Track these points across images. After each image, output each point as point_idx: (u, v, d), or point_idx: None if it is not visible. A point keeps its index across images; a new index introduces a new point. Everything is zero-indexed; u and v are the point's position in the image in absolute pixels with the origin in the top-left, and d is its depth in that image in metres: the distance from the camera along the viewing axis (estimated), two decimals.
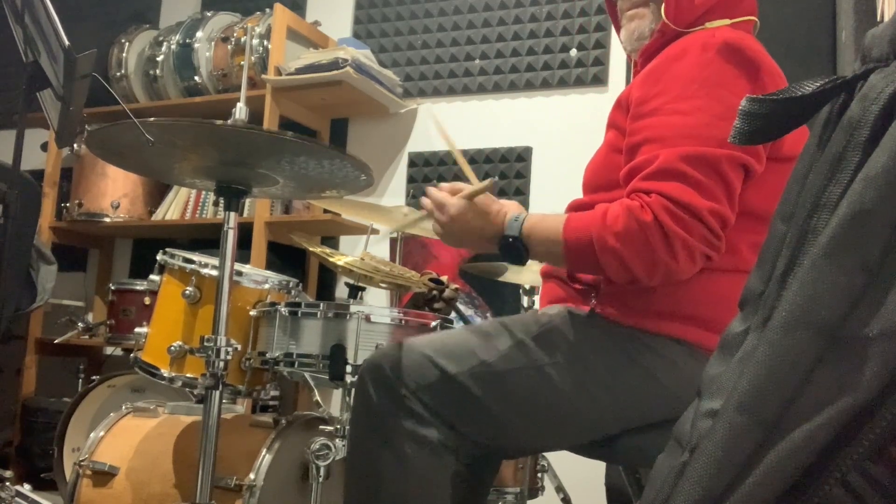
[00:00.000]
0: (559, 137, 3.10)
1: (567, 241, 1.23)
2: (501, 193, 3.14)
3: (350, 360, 1.68)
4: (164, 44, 3.49)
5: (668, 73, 1.29)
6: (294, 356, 1.74)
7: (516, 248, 1.29)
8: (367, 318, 1.71)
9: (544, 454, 2.17)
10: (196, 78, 3.43)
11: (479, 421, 1.27)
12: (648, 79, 1.32)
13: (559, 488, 2.25)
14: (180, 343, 1.87)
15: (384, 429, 1.27)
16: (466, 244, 1.39)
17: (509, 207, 1.34)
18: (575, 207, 1.41)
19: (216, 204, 3.34)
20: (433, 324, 1.78)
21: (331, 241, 3.40)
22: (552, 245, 1.26)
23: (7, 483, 2.14)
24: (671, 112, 1.25)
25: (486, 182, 1.34)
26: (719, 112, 1.22)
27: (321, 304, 1.75)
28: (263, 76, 3.19)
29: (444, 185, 1.37)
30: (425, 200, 1.38)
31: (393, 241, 3.06)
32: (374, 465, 1.27)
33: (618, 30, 1.51)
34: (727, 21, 1.36)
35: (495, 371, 1.27)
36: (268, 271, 2.07)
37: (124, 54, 3.56)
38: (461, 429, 1.27)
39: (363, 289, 1.87)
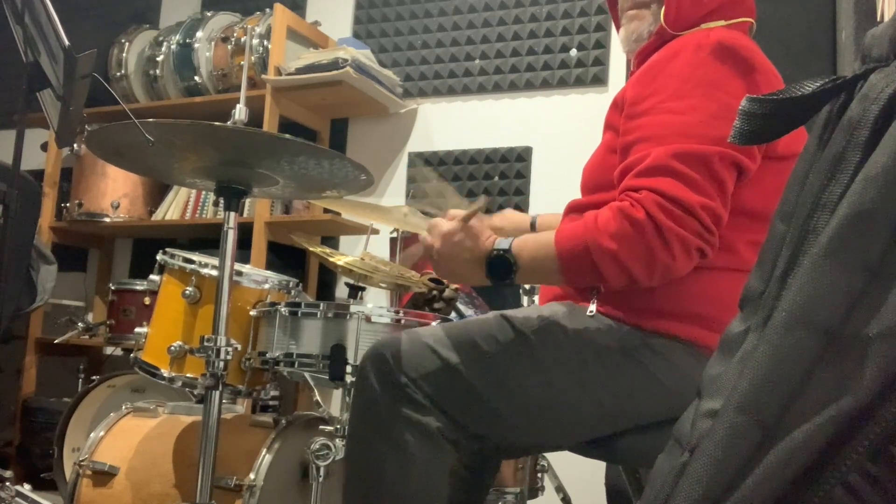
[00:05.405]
0: (559, 137, 3.10)
1: (560, 251, 1.22)
2: (501, 193, 3.14)
3: (350, 360, 1.68)
4: (164, 44, 3.49)
5: (662, 73, 1.29)
6: (294, 356, 1.74)
7: (504, 260, 1.25)
8: (367, 318, 1.71)
9: (544, 454, 2.17)
10: (196, 78, 3.43)
11: (478, 411, 1.27)
12: (643, 79, 1.32)
13: (559, 488, 2.24)
14: (180, 343, 1.87)
15: (384, 416, 1.26)
16: (455, 266, 1.31)
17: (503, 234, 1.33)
18: (573, 208, 1.41)
19: (216, 204, 3.34)
20: (433, 324, 1.78)
21: (331, 241, 3.40)
22: (545, 256, 1.23)
23: (7, 483, 2.14)
24: (665, 111, 1.25)
25: (479, 201, 1.32)
26: (713, 111, 1.22)
27: (321, 304, 1.75)
28: (263, 76, 3.19)
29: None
30: (423, 234, 1.37)
31: (393, 241, 3.06)
32: (373, 453, 1.27)
33: (618, 28, 1.51)
34: (723, 22, 1.36)
35: (495, 363, 1.27)
36: (268, 271, 2.07)
37: (124, 54, 3.56)
38: (460, 419, 1.27)
39: (363, 289, 1.87)
